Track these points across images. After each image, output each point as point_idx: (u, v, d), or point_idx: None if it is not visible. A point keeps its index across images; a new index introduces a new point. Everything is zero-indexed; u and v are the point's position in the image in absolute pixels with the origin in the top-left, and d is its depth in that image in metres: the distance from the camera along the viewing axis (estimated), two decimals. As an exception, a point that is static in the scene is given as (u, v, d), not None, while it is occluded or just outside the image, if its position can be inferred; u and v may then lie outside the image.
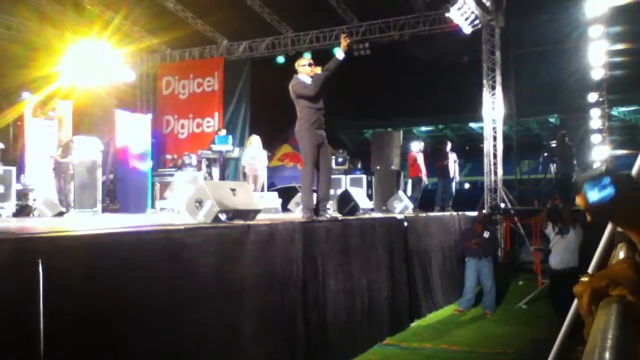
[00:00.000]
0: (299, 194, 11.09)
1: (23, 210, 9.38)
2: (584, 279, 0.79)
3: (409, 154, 11.87)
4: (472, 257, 9.01)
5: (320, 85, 6.29)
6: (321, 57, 7.13)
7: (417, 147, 11.76)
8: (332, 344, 5.79)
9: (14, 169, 9.67)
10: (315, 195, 6.50)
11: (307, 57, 6.62)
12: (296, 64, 6.57)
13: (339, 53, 6.39)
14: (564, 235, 7.72)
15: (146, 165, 12.25)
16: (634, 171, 3.13)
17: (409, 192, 11.59)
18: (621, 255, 1.56)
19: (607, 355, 0.58)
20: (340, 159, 13.56)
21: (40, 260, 2.91)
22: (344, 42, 6.46)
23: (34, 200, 9.79)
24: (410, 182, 11.92)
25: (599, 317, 0.71)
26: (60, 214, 8.93)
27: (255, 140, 11.78)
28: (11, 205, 9.25)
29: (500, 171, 12.69)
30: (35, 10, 13.15)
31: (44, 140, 11.34)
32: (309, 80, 6.35)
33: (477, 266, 8.95)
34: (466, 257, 9.17)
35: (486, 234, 9.13)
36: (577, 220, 7.76)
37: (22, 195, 9.87)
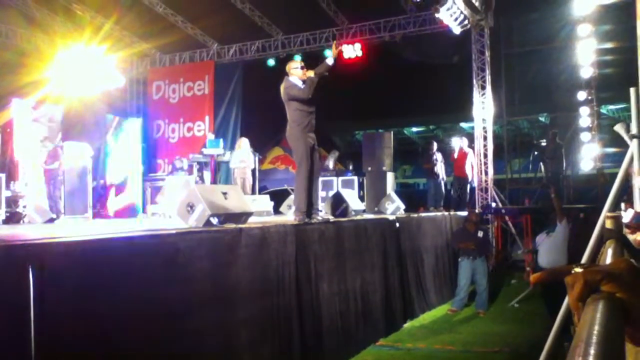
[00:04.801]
0: (291, 197, 11.09)
1: (13, 217, 9.33)
2: (577, 269, 0.78)
3: (451, 153, 12.12)
4: (466, 257, 9.00)
5: (314, 89, 6.29)
6: (312, 59, 7.14)
7: (457, 144, 12.02)
8: (327, 346, 5.79)
9: (3, 176, 9.61)
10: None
11: (298, 60, 6.61)
12: (287, 67, 6.54)
13: (329, 59, 6.43)
14: (549, 233, 7.70)
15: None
16: (622, 168, 3.15)
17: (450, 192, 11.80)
18: (610, 251, 1.57)
19: (592, 350, 0.58)
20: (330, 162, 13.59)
21: (30, 267, 2.90)
22: (335, 50, 6.50)
23: (24, 207, 9.73)
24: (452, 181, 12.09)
25: (585, 313, 0.71)
26: (51, 220, 8.88)
27: (244, 143, 11.73)
28: (1, 212, 9.19)
29: (491, 171, 12.73)
30: (25, 16, 13.09)
31: (33, 146, 11.28)
32: (300, 83, 6.34)
33: (472, 266, 8.92)
34: (460, 257, 9.15)
35: (480, 234, 9.14)
36: (564, 215, 7.77)
37: (12, 202, 9.81)
